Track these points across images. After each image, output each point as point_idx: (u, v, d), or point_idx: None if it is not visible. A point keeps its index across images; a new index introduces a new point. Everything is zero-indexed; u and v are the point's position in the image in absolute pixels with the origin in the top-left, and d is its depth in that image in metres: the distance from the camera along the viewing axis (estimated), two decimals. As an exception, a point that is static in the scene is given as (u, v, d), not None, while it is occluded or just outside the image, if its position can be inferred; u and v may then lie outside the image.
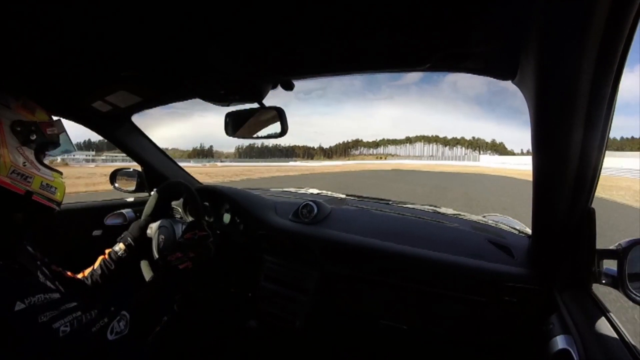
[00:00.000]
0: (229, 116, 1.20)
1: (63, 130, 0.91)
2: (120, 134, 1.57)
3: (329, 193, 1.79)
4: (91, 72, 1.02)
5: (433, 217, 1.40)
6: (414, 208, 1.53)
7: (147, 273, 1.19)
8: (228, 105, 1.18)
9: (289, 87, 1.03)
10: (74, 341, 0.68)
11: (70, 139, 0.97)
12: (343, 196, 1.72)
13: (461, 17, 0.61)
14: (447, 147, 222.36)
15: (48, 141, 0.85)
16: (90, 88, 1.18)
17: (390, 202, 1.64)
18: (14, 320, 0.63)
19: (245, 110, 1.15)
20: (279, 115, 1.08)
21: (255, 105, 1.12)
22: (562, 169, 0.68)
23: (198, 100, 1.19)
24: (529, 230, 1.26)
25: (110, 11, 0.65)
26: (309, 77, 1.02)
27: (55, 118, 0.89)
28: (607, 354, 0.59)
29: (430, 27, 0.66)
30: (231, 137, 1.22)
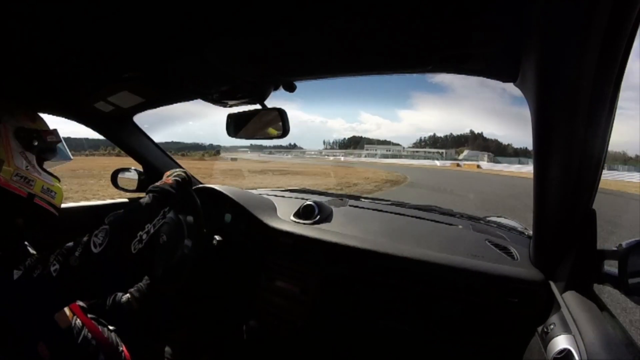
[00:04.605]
0: (230, 117, 1.20)
1: (60, 139, 0.95)
2: (123, 134, 1.58)
3: (331, 193, 1.79)
4: (92, 72, 1.02)
5: (433, 217, 1.40)
6: (414, 208, 1.53)
7: None
8: (230, 107, 1.18)
9: (290, 88, 1.03)
10: (66, 273, 0.73)
11: (66, 149, 1.00)
12: (344, 196, 1.72)
13: (461, 17, 0.61)
14: None
15: (48, 148, 0.90)
16: (92, 88, 1.19)
17: (390, 202, 1.64)
18: (14, 290, 0.70)
19: (246, 111, 1.16)
20: (281, 116, 1.09)
21: (257, 106, 1.12)
22: (563, 170, 0.68)
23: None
24: (529, 231, 1.26)
25: (110, 11, 0.65)
26: (310, 78, 1.02)
27: (52, 127, 0.93)
28: (609, 353, 0.59)
29: (430, 27, 0.66)
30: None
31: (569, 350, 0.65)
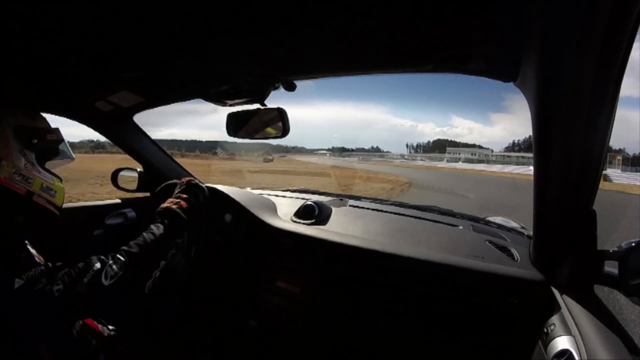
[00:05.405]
0: (230, 117, 1.20)
1: (62, 139, 0.94)
2: (123, 134, 1.58)
3: (331, 193, 1.79)
4: (92, 72, 1.02)
5: (433, 218, 1.40)
6: (414, 208, 1.52)
7: None
8: (229, 106, 1.18)
9: (290, 87, 1.03)
10: (70, 296, 0.72)
11: (69, 148, 1.00)
12: (344, 196, 1.72)
13: (461, 17, 0.61)
14: None
15: (48, 146, 0.90)
16: (92, 88, 1.19)
17: (390, 202, 1.64)
18: (15, 299, 0.69)
19: (246, 110, 1.16)
20: (281, 115, 1.08)
21: (257, 105, 1.12)
22: (563, 170, 0.68)
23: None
24: (529, 231, 1.25)
25: (110, 11, 0.65)
26: (310, 77, 1.02)
27: (53, 126, 0.93)
28: (609, 354, 0.59)
29: (430, 27, 0.66)
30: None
31: (569, 351, 0.65)
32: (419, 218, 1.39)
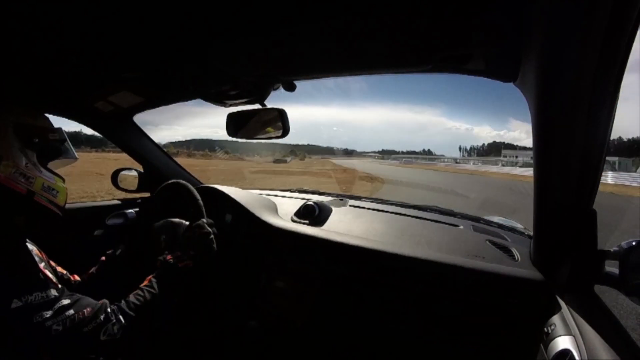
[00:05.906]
0: (230, 117, 1.20)
1: (65, 139, 0.93)
2: (123, 134, 1.58)
3: (331, 193, 1.79)
4: (92, 72, 1.02)
5: (434, 217, 1.40)
6: (414, 208, 1.52)
7: None
8: (229, 106, 1.18)
9: (290, 87, 1.03)
10: (65, 340, 0.71)
11: (71, 148, 0.99)
12: (344, 196, 1.72)
13: (461, 17, 0.61)
14: None
15: (50, 146, 0.89)
16: (92, 88, 1.19)
17: (390, 202, 1.64)
18: (10, 317, 0.67)
19: (246, 111, 1.16)
20: (281, 115, 1.08)
21: (257, 106, 1.12)
22: (563, 171, 0.68)
23: None
24: (529, 231, 1.25)
25: (110, 11, 0.65)
26: (310, 77, 1.02)
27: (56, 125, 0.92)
28: (610, 354, 0.59)
29: (430, 27, 0.66)
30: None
31: (570, 351, 0.65)
32: (420, 218, 1.39)
